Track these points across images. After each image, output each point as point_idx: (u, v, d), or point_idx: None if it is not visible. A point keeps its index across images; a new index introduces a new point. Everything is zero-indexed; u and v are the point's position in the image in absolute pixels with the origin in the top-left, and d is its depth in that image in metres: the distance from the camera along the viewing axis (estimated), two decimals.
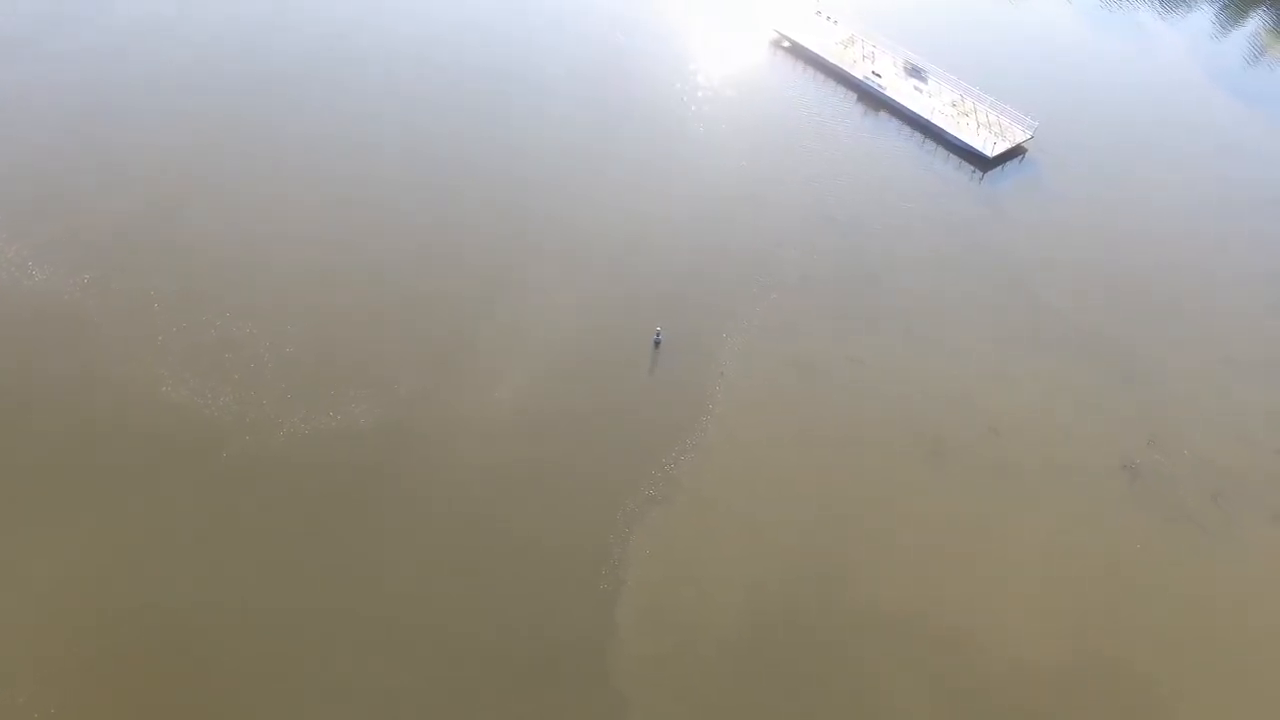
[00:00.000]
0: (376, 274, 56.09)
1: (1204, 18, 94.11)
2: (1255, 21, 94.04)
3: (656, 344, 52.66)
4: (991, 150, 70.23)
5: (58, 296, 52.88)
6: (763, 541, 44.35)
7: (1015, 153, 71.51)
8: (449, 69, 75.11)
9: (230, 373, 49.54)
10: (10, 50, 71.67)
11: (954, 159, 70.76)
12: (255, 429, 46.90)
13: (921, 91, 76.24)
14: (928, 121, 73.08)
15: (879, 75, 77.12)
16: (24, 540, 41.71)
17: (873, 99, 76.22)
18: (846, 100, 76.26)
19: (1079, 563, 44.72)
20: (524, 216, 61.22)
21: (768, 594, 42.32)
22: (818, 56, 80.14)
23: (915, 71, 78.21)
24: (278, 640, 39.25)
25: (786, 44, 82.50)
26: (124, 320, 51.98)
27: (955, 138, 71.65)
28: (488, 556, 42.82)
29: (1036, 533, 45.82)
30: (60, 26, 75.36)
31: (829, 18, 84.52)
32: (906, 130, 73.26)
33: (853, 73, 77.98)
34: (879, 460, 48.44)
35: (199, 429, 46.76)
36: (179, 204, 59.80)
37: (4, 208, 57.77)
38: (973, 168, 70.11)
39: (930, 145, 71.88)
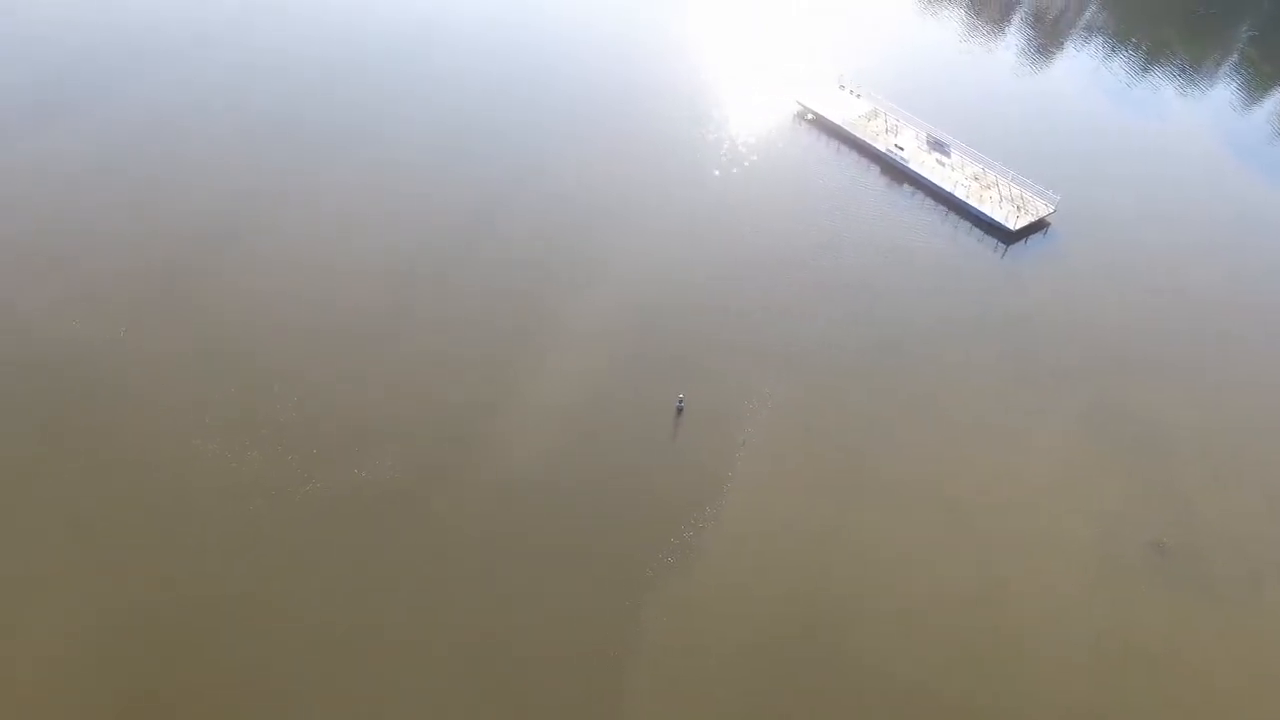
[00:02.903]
0: (399, 333, 57.23)
1: (1225, 94, 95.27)
2: (1276, 99, 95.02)
3: (679, 411, 53.06)
4: (1014, 223, 70.96)
5: (92, 345, 54.39)
6: (777, 612, 44.01)
7: (1038, 226, 72.16)
8: (475, 133, 77.33)
9: (258, 427, 50.46)
10: (52, 110, 74.93)
11: (976, 232, 71.51)
12: (278, 484, 47.63)
13: (944, 165, 77.46)
14: (950, 194, 74.11)
15: (901, 148, 78.55)
16: (40, 586, 42.42)
17: (895, 171, 77.53)
18: (869, 172, 77.60)
19: (1102, 640, 43.88)
20: (546, 278, 62.43)
21: (778, 665, 41.87)
22: (840, 129, 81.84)
23: (938, 145, 79.59)
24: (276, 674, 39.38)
25: (810, 116, 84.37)
26: (156, 371, 53.28)
27: (978, 210, 72.52)
28: (499, 617, 42.84)
29: (1060, 609, 45.10)
30: (95, 90, 78.77)
31: (851, 91, 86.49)
32: (929, 203, 74.28)
33: (875, 145, 79.49)
34: (898, 532, 48.13)
35: (226, 480, 47.56)
36: (215, 260, 61.58)
37: (48, 259, 59.93)
38: (995, 240, 70.77)
39: (953, 218, 72.75)
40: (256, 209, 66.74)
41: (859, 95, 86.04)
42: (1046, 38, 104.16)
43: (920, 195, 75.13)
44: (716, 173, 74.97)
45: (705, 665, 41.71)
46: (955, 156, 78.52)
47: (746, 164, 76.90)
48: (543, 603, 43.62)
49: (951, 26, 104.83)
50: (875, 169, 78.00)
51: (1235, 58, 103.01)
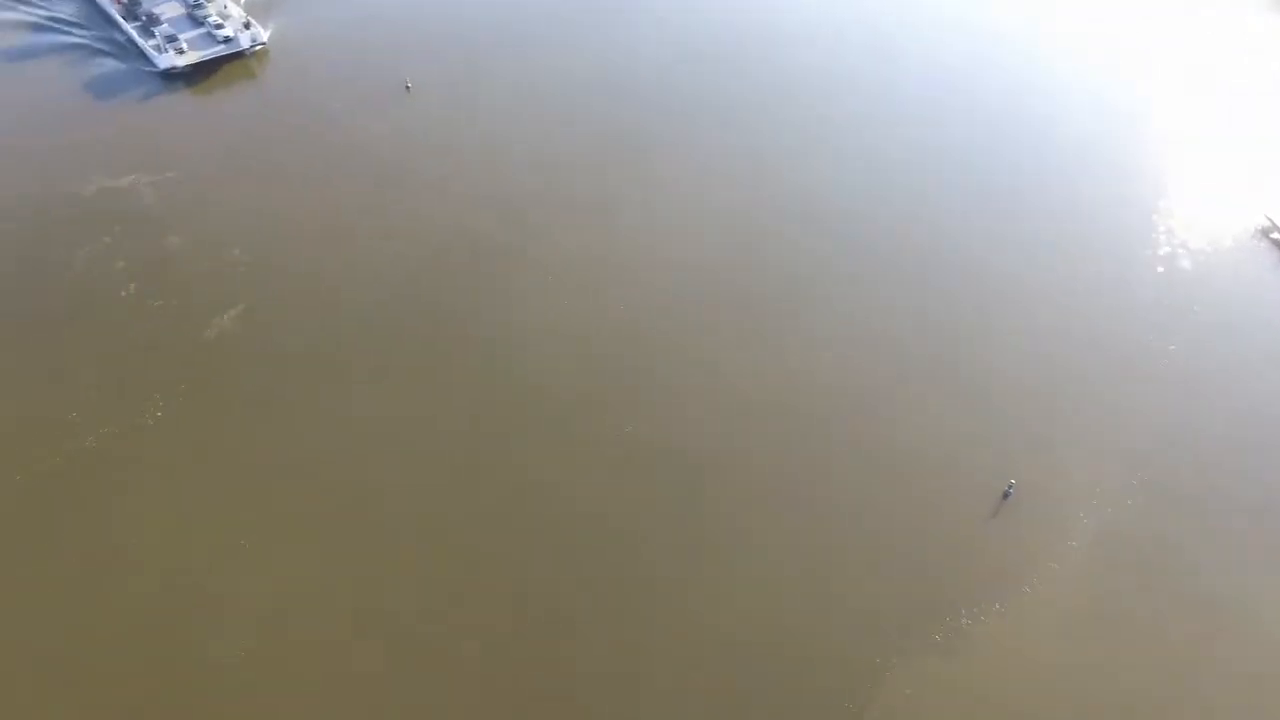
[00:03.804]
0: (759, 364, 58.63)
1: None
2: None
3: (1005, 495, 50.78)
4: None
5: (494, 246, 64.53)
6: None
7: None
8: (900, 179, 75.12)
9: (589, 368, 56.36)
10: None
11: None
12: (596, 418, 53.19)
13: None
14: None
15: None
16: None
17: None
18: None
19: None
20: (922, 349, 60.18)
21: None
22: None
23: None
24: None
25: (1276, 234, 72.57)
26: (533, 274, 61.72)
27: None
28: (751, 653, 44.25)
29: None
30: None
31: None
32: None
33: None
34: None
35: (565, 401, 54.02)
36: (609, 198, 68.90)
37: (478, 172, 70.96)
38: None
39: None
40: (661, 159, 72.74)
41: None
42: None
43: None
44: (1149, 274, 67.47)
45: None
46: None
47: (1185, 272, 67.98)
48: (804, 644, 44.49)
49: None
50: None
51: None
